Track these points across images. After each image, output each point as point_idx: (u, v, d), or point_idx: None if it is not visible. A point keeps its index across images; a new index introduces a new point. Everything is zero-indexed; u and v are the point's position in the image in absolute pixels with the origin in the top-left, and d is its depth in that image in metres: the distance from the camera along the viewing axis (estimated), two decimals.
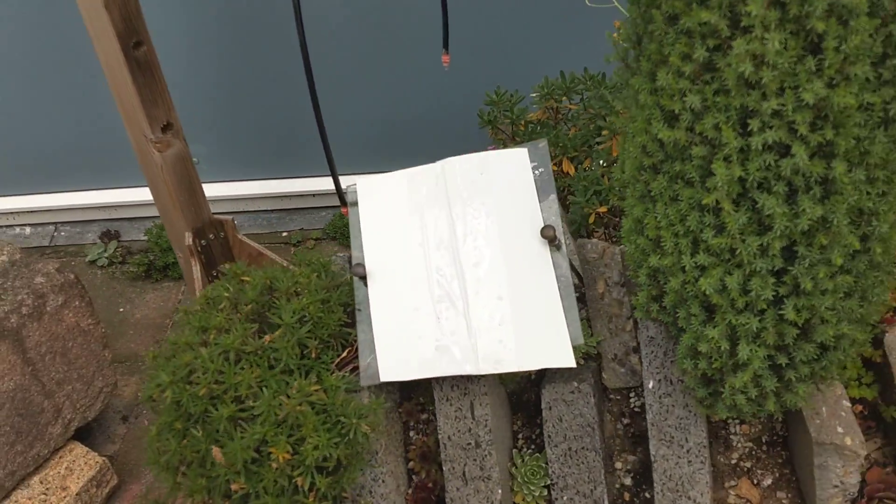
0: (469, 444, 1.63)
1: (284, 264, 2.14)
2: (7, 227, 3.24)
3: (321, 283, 1.65)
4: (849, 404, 1.49)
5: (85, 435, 2.27)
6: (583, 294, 1.74)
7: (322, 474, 1.49)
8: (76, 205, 3.14)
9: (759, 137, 1.02)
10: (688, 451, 1.57)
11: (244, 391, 1.50)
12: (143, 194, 2.70)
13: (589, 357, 1.76)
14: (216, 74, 2.80)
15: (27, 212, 3.18)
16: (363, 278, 1.67)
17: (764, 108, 0.99)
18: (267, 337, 1.58)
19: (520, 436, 1.80)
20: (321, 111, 1.78)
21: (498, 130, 2.30)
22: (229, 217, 2.37)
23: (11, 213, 3.18)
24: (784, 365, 1.26)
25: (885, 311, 1.51)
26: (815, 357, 1.25)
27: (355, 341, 1.66)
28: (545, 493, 1.66)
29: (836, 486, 1.52)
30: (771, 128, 1.01)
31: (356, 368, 1.65)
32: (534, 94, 2.22)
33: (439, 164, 1.72)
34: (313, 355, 1.60)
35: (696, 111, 1.07)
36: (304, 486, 1.46)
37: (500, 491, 1.61)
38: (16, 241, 3.16)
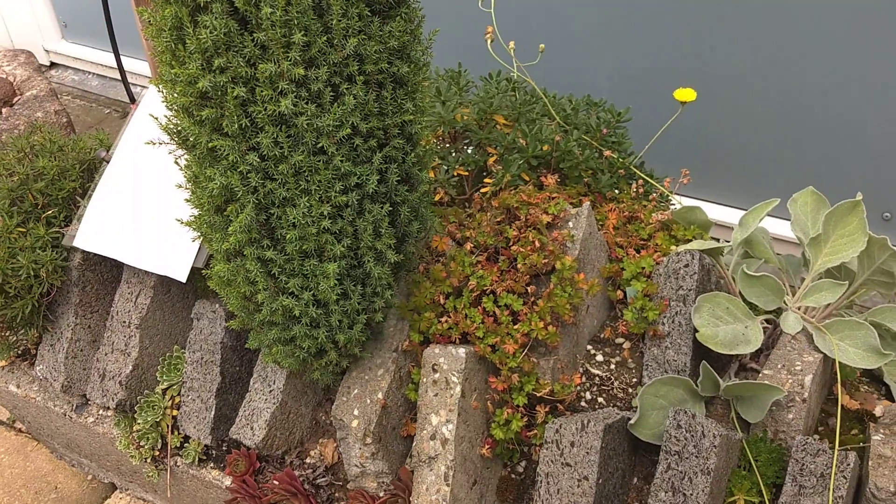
0: (125, 322, 1.93)
1: None
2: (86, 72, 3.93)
3: (59, 154, 2.00)
4: (381, 397, 1.62)
5: None
6: None
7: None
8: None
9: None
10: (270, 392, 1.77)
11: None
12: None
13: None
14: None
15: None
16: (106, 162, 1.99)
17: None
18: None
19: None
20: None
21: None
22: None
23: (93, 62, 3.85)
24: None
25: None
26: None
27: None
28: (180, 385, 1.93)
29: (357, 467, 1.66)
30: None
31: None
32: None
33: None
34: (40, 205, 1.96)
35: None
36: None
37: (131, 366, 1.90)
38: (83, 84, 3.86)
